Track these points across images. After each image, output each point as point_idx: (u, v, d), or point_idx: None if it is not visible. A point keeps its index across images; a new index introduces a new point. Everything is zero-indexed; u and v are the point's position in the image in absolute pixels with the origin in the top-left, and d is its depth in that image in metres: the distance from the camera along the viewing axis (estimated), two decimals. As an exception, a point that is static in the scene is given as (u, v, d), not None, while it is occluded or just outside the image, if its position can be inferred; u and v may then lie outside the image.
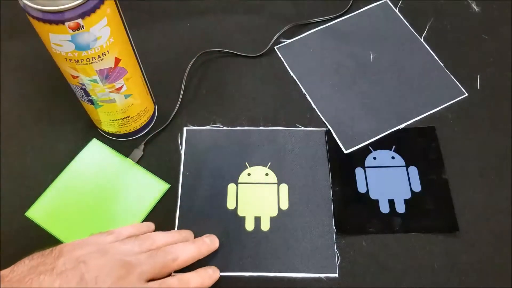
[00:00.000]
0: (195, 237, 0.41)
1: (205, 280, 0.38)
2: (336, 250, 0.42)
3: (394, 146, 0.46)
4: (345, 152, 0.46)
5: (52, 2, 0.32)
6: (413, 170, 0.45)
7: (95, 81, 0.39)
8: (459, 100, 0.49)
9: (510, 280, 0.40)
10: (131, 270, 0.34)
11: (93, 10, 0.33)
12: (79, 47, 0.35)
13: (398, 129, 0.47)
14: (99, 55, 0.36)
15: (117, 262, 0.34)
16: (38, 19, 0.33)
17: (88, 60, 0.36)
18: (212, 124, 0.48)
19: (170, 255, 0.37)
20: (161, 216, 0.44)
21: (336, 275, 0.41)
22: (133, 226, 0.39)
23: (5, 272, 0.31)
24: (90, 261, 0.33)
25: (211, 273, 0.39)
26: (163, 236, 0.39)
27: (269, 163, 0.46)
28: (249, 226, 0.43)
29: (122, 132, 0.47)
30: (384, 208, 0.43)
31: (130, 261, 0.34)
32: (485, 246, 0.41)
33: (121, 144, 0.47)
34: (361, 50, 0.53)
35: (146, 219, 0.43)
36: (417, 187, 0.44)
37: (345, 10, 0.55)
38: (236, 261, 0.41)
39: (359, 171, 0.45)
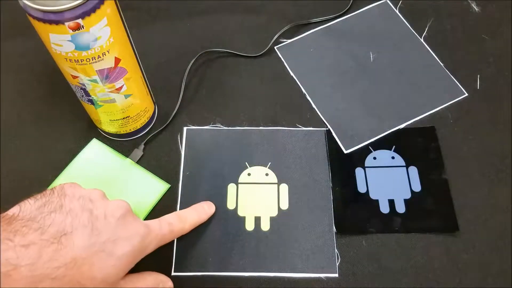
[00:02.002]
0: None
1: (202, 215, 0.42)
2: (336, 250, 0.42)
3: (394, 146, 0.46)
4: (345, 152, 0.46)
5: (52, 2, 0.32)
6: (413, 170, 0.45)
7: (95, 81, 0.39)
8: (459, 100, 0.49)
9: (510, 280, 0.40)
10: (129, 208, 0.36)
11: (93, 10, 0.33)
12: (79, 47, 0.35)
13: (398, 129, 0.47)
14: (99, 55, 0.36)
15: (121, 200, 0.36)
16: (38, 19, 0.33)
17: (88, 60, 0.36)
18: (212, 124, 0.48)
19: (167, 224, 0.38)
20: (161, 216, 0.44)
21: (336, 275, 0.41)
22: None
23: (14, 210, 0.31)
24: (95, 199, 0.34)
25: (207, 209, 0.43)
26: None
27: (269, 163, 0.46)
28: (249, 226, 0.43)
29: (122, 132, 0.47)
30: (384, 208, 0.43)
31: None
32: (485, 246, 0.41)
33: (121, 144, 0.48)
34: (361, 50, 0.53)
35: (146, 219, 0.43)
36: (417, 187, 0.44)
37: (345, 10, 0.55)
38: (236, 261, 0.41)
39: (359, 171, 0.45)
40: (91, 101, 0.42)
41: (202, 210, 0.42)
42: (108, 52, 0.37)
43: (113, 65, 0.38)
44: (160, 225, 0.37)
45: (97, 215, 0.33)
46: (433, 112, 0.48)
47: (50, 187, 0.44)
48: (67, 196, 0.33)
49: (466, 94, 0.49)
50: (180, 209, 0.44)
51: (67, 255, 0.30)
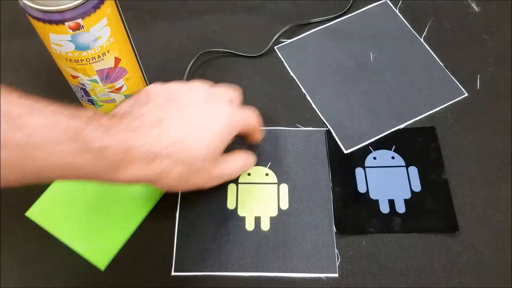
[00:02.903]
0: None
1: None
2: (336, 250, 0.42)
3: (394, 146, 0.46)
4: (345, 152, 0.46)
5: (52, 2, 0.32)
6: (413, 170, 0.45)
7: (95, 81, 0.39)
8: (459, 100, 0.49)
9: (510, 280, 0.40)
10: (216, 93, 0.39)
11: (93, 10, 0.33)
12: (79, 47, 0.35)
13: (398, 129, 0.47)
14: (99, 55, 0.36)
15: (201, 84, 0.39)
16: (38, 19, 0.33)
17: (88, 60, 0.36)
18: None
19: (246, 114, 0.41)
20: (161, 216, 0.44)
21: (336, 275, 0.41)
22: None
23: (112, 112, 0.35)
24: (177, 89, 0.38)
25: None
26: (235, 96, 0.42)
27: (269, 163, 0.46)
28: (249, 226, 0.43)
29: (122, 132, 0.46)
30: (384, 208, 0.43)
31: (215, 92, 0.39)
32: (485, 246, 0.41)
33: (121, 144, 0.47)
34: (361, 50, 0.53)
35: (146, 219, 0.43)
36: (417, 187, 0.44)
37: (345, 10, 0.55)
38: (236, 261, 0.41)
39: (359, 171, 0.45)
40: (91, 101, 0.42)
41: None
42: (108, 52, 0.37)
43: (113, 65, 0.38)
44: (242, 109, 0.40)
45: (184, 102, 0.36)
46: (433, 112, 0.48)
47: (50, 187, 0.45)
48: (152, 93, 0.37)
49: (466, 94, 0.49)
50: (180, 209, 0.44)
51: (169, 136, 0.34)
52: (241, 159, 0.42)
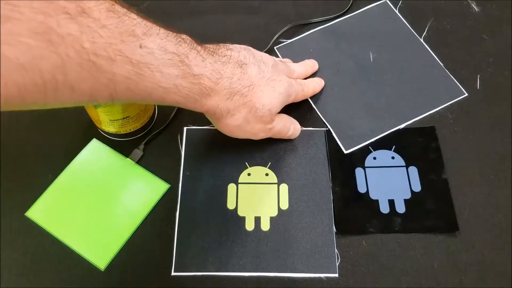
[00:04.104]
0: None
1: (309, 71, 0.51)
2: (336, 250, 0.42)
3: (394, 146, 0.46)
4: (345, 152, 0.46)
5: (52, 2, 0.32)
6: (413, 170, 0.45)
7: (95, 81, 0.39)
8: (459, 100, 0.49)
9: (510, 280, 0.40)
10: (277, 64, 0.43)
11: (93, 10, 0.33)
12: (79, 47, 0.35)
13: (398, 129, 0.47)
14: (99, 55, 0.36)
15: (273, 58, 0.43)
16: (38, 19, 0.33)
17: (88, 60, 0.36)
18: (212, 124, 0.48)
19: (301, 87, 0.46)
20: (161, 216, 0.44)
21: (336, 275, 0.41)
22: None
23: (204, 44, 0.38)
24: (252, 49, 0.42)
25: (311, 64, 0.51)
26: (298, 68, 0.49)
27: (269, 163, 0.46)
28: (249, 226, 0.43)
29: (122, 132, 0.47)
30: (384, 208, 0.43)
31: (278, 64, 0.44)
32: (485, 246, 0.41)
33: (121, 144, 0.47)
34: (361, 50, 0.53)
35: (146, 219, 0.43)
36: (417, 187, 0.44)
37: (345, 10, 0.55)
38: (236, 261, 0.41)
39: (359, 171, 0.45)
40: (91, 101, 0.42)
41: (310, 69, 0.51)
42: (108, 52, 0.37)
43: (113, 65, 0.38)
44: (296, 83, 0.45)
45: (259, 59, 0.41)
46: (433, 112, 0.48)
47: (49, 187, 0.45)
48: (230, 46, 0.40)
49: (466, 94, 0.49)
50: (180, 209, 0.44)
51: (249, 78, 0.39)
52: (289, 121, 0.46)
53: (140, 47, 0.30)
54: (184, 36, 0.35)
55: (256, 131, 0.42)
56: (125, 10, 0.30)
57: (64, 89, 0.27)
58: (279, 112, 0.43)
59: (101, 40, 0.27)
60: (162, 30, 0.32)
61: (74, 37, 0.26)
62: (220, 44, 0.39)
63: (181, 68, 0.33)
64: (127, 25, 0.29)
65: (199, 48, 0.35)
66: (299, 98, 0.47)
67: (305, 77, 0.50)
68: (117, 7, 0.29)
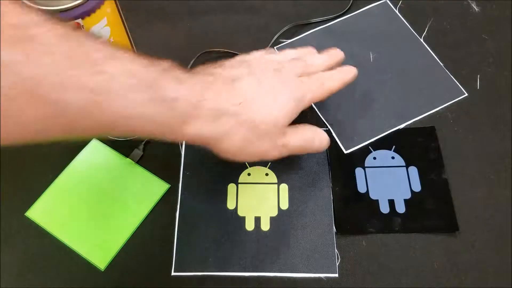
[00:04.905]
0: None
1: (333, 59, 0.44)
2: (336, 250, 0.42)
3: (394, 146, 0.46)
4: (345, 152, 0.46)
5: (52, 2, 0.32)
6: (413, 170, 0.45)
7: (95, 81, 0.39)
8: (459, 100, 0.49)
9: (510, 280, 0.40)
10: (283, 65, 0.40)
11: (93, 10, 0.33)
12: (79, 47, 0.35)
13: (398, 129, 0.47)
14: (99, 55, 0.36)
15: (273, 52, 0.41)
16: (38, 19, 0.33)
17: (88, 60, 0.36)
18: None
19: (319, 82, 0.40)
20: (161, 216, 0.44)
21: (336, 275, 0.41)
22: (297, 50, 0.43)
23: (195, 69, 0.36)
24: (249, 57, 0.40)
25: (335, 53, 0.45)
26: (317, 60, 0.43)
27: (269, 163, 0.46)
28: (249, 226, 0.43)
29: (122, 132, 0.47)
30: (384, 208, 0.43)
31: (284, 66, 0.40)
32: (485, 246, 0.41)
33: (121, 144, 0.47)
34: (361, 50, 0.53)
35: (146, 219, 0.43)
36: (417, 187, 0.44)
37: (345, 10, 0.55)
38: (236, 261, 0.41)
39: (359, 171, 0.45)
40: (91, 101, 0.42)
41: (333, 58, 0.44)
42: (108, 52, 0.37)
43: (113, 65, 0.38)
44: (311, 80, 0.40)
45: (255, 68, 0.38)
46: (433, 112, 0.48)
47: (49, 187, 0.45)
48: (225, 62, 0.38)
49: (466, 94, 0.49)
50: (180, 209, 0.44)
51: (239, 95, 0.35)
52: (310, 132, 0.41)
53: (98, 72, 0.27)
54: (163, 61, 0.32)
55: (264, 151, 0.37)
56: (85, 34, 0.28)
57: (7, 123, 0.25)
58: (296, 122, 0.39)
59: (47, 67, 0.25)
60: (129, 55, 0.30)
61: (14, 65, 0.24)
62: (218, 61, 0.37)
63: (149, 93, 0.30)
64: (84, 51, 0.27)
65: (178, 71, 0.33)
66: (320, 95, 0.40)
67: (327, 68, 0.43)
68: (75, 32, 0.27)
